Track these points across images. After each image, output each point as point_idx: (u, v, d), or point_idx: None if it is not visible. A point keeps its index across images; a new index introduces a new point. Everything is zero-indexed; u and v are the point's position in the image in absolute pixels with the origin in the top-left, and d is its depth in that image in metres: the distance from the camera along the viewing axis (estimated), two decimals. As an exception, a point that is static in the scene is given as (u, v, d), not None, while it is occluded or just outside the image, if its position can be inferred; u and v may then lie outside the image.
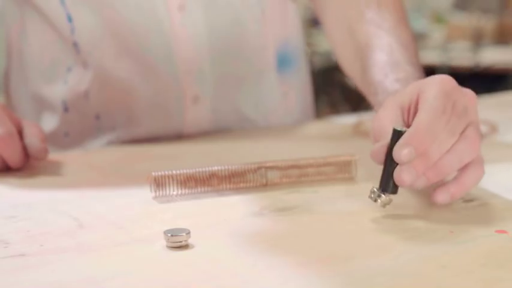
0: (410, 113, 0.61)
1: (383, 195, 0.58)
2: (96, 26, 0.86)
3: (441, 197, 0.58)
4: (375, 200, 0.58)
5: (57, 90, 0.91)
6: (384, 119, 0.61)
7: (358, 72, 0.81)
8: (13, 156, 0.73)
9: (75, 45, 0.87)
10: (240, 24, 0.91)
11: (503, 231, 0.55)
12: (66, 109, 0.91)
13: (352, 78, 0.87)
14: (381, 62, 0.76)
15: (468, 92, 0.61)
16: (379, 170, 0.58)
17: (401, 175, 0.56)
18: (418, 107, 0.59)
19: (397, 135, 0.57)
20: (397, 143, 0.56)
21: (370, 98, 0.76)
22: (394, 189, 0.58)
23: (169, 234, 0.52)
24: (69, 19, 0.86)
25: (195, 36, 0.89)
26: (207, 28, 0.89)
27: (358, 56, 0.81)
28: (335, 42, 0.91)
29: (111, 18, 0.86)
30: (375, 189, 0.58)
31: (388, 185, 0.57)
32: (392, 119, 0.60)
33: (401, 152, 0.56)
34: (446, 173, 0.58)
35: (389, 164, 0.57)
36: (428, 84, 0.60)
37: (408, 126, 0.59)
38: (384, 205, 0.58)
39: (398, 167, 0.56)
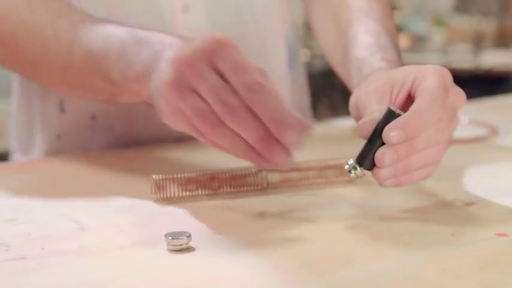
0: (399, 94, 0.60)
1: (358, 169, 0.58)
2: None
3: (389, 181, 0.57)
4: (349, 171, 0.58)
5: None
6: (371, 93, 0.61)
7: (339, 55, 0.80)
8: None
9: None
10: (242, 22, 0.91)
11: (504, 235, 0.55)
12: (62, 110, 0.90)
13: (332, 64, 0.86)
14: (366, 42, 0.75)
15: (461, 93, 0.61)
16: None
17: (383, 156, 0.56)
18: (417, 94, 0.59)
19: (390, 115, 0.57)
20: (391, 124, 0.56)
21: (352, 75, 0.74)
22: (370, 166, 0.57)
23: (170, 238, 0.52)
24: None
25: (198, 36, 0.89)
26: (209, 27, 0.89)
27: (341, 41, 0.81)
28: (320, 32, 0.90)
29: (118, 20, 0.86)
30: (352, 161, 0.58)
31: (365, 160, 0.57)
32: (379, 96, 0.60)
33: (391, 134, 0.55)
34: (413, 169, 0.58)
35: (374, 140, 0.57)
36: (427, 72, 0.60)
37: (392, 104, 0.60)
38: (356, 178, 0.58)
39: (382, 147, 0.56)
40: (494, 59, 3.54)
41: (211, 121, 0.56)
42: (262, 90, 0.54)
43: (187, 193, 0.65)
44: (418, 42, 4.05)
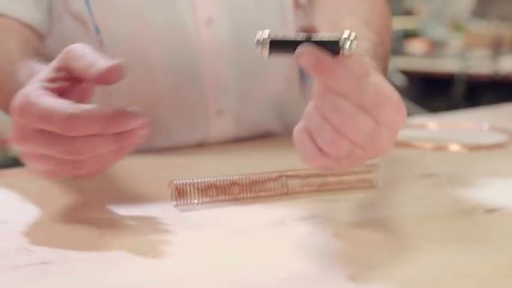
0: None
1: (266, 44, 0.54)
2: (125, 39, 0.86)
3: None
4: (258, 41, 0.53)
5: None
6: None
7: None
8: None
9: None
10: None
11: (527, 242, 0.55)
12: None
13: None
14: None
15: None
16: (400, 178, 0.58)
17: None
18: None
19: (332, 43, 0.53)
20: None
21: None
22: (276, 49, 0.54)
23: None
24: (97, 31, 0.86)
25: (221, 48, 0.89)
26: (234, 39, 0.89)
27: None
28: None
29: (141, 34, 0.86)
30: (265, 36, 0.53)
31: (277, 43, 0.54)
32: None
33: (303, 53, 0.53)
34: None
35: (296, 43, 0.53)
36: None
37: None
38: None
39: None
40: (513, 64, 3.52)
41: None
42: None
43: (208, 198, 0.65)
44: (436, 47, 4.04)
